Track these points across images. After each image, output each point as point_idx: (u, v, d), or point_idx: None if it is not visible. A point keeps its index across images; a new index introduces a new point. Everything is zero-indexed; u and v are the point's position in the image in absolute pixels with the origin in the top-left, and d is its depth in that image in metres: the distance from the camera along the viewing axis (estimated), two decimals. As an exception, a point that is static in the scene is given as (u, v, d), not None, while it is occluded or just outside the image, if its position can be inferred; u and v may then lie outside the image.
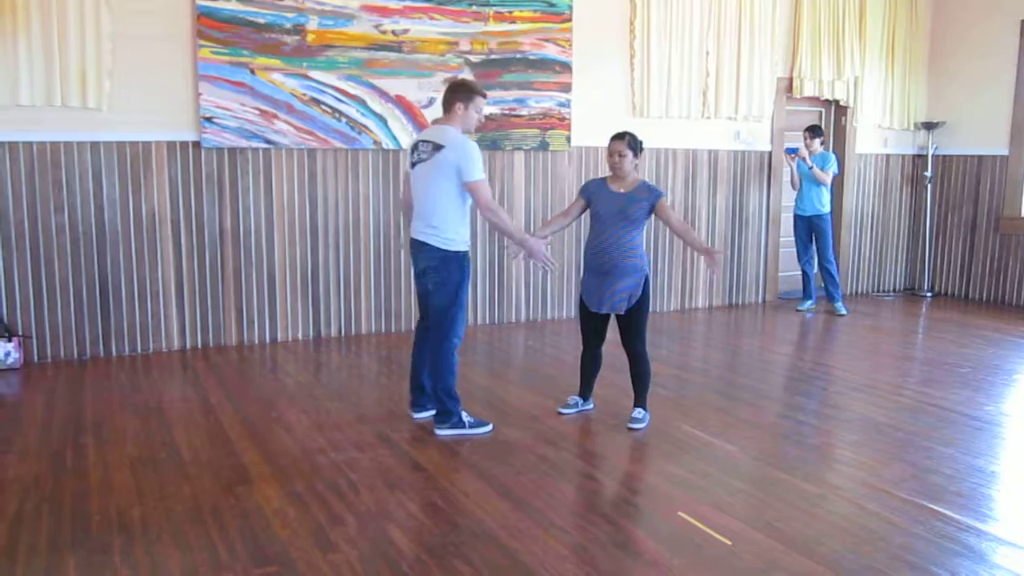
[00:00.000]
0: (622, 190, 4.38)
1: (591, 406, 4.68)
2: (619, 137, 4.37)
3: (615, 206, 4.35)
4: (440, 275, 4.16)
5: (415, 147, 4.25)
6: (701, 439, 4.25)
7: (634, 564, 2.93)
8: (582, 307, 4.51)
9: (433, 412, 4.40)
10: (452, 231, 4.13)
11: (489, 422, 4.34)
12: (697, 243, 4.56)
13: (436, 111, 6.38)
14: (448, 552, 3.00)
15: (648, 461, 3.97)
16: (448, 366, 4.23)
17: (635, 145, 4.36)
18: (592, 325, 4.52)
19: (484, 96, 4.24)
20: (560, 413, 4.59)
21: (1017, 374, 5.65)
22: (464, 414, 4.28)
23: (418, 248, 4.21)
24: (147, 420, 4.44)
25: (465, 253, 4.20)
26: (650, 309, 4.48)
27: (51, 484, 3.58)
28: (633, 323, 4.38)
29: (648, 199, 4.34)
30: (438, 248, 4.13)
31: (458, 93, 4.16)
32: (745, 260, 8.01)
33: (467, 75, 6.55)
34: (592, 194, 4.46)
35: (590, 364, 4.61)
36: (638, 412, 4.42)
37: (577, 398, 4.67)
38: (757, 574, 2.86)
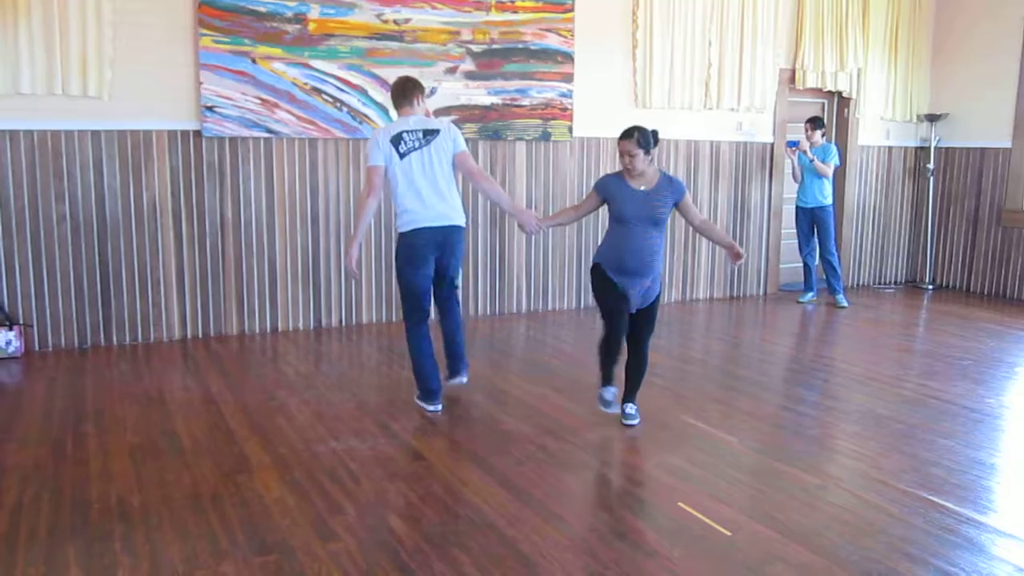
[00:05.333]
0: (643, 187, 4.09)
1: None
2: (627, 136, 4.05)
3: (642, 208, 4.07)
4: (460, 249, 4.48)
5: (399, 138, 4.25)
6: (701, 430, 4.25)
7: (634, 554, 2.93)
8: (614, 298, 4.16)
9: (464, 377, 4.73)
10: (461, 208, 4.46)
11: (437, 405, 4.48)
12: (722, 238, 4.41)
13: (437, 100, 6.42)
14: (447, 541, 3.01)
15: (648, 452, 3.97)
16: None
17: (645, 141, 4.03)
18: (625, 317, 4.20)
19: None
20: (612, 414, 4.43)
21: (1018, 367, 5.64)
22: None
23: (450, 233, 4.36)
24: (147, 409, 4.45)
25: None
26: None
27: (51, 472, 3.59)
28: (651, 317, 4.26)
29: (671, 196, 4.11)
30: (461, 227, 4.43)
31: (417, 87, 4.41)
32: (747, 252, 7.99)
33: (468, 64, 6.54)
34: (611, 192, 4.14)
35: (619, 350, 4.31)
36: (632, 408, 4.33)
37: (613, 388, 4.39)
38: (756, 565, 2.87)
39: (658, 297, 4.26)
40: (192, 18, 5.72)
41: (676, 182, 4.18)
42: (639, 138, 4.03)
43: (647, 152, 4.06)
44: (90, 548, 2.92)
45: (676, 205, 4.18)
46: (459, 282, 4.74)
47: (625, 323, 4.21)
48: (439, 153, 4.26)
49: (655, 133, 4.14)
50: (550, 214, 6.96)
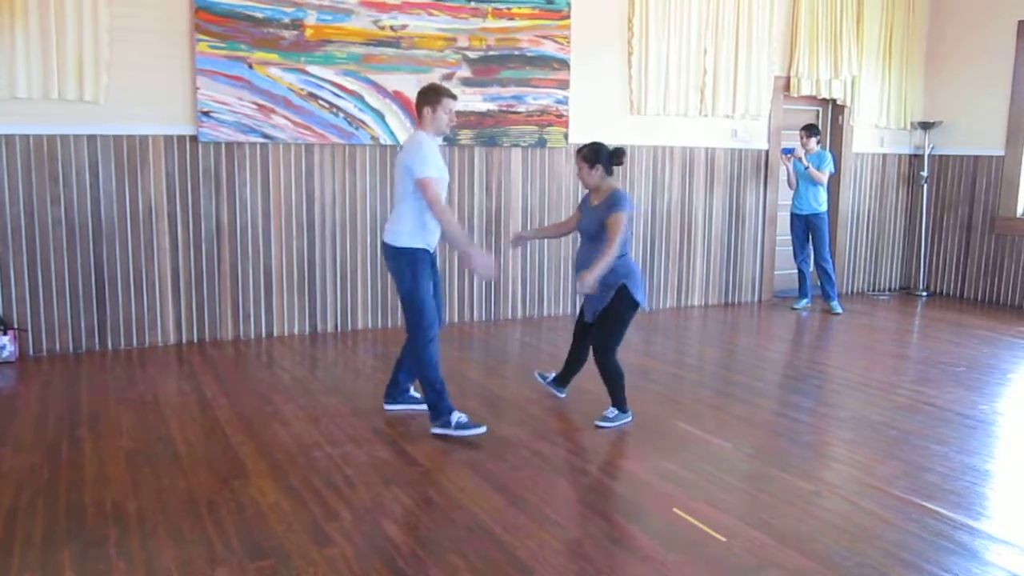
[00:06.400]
0: (595, 202, 4.35)
1: (562, 395, 4.78)
2: (578, 150, 4.35)
3: (587, 222, 4.36)
4: (393, 270, 4.22)
5: None
6: (696, 436, 4.26)
7: (628, 559, 2.94)
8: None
9: (405, 405, 4.57)
10: (404, 229, 4.14)
11: (482, 424, 4.22)
12: (598, 265, 4.13)
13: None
14: (443, 547, 3.01)
15: (643, 457, 3.98)
16: (423, 360, 4.17)
17: (593, 155, 4.26)
18: (580, 326, 4.62)
19: (452, 97, 4.21)
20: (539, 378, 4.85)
21: (1011, 373, 5.67)
22: (456, 415, 4.18)
23: (383, 249, 4.29)
24: (143, 414, 4.44)
25: (415, 250, 4.13)
26: (625, 320, 4.34)
27: (46, 477, 3.58)
28: (599, 331, 4.35)
29: (605, 214, 4.22)
30: (390, 246, 4.20)
31: (425, 98, 4.19)
32: (741, 258, 8.02)
33: (464, 71, 6.55)
34: (582, 207, 4.53)
35: (569, 356, 4.70)
36: (610, 411, 4.39)
37: (554, 374, 4.81)
38: (751, 570, 2.87)
39: (609, 310, 4.28)
40: (189, 23, 5.73)
41: (615, 199, 4.22)
42: (586, 152, 4.29)
43: (592, 166, 4.27)
44: (85, 553, 2.92)
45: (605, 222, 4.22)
46: (413, 323, 4.17)
47: (577, 329, 4.64)
48: (399, 172, 4.18)
49: (617, 151, 4.28)
50: (545, 220, 7.01)
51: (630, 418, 4.42)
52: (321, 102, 6.13)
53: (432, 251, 4.24)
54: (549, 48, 6.85)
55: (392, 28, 6.29)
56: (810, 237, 7.59)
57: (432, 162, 4.09)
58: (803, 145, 7.49)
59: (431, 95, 4.18)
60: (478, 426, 4.21)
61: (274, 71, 5.97)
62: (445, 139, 6.46)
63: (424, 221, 4.15)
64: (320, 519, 3.21)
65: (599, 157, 4.27)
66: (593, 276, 4.08)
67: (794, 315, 7.54)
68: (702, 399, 4.93)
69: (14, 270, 5.49)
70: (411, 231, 4.15)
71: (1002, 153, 8.03)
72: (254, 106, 5.93)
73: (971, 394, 5.09)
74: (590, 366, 4.56)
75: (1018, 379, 5.58)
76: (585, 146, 4.32)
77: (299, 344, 6.08)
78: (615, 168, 4.36)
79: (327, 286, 6.38)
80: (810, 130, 7.50)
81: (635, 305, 4.30)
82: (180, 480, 3.56)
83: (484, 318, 6.93)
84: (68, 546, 2.97)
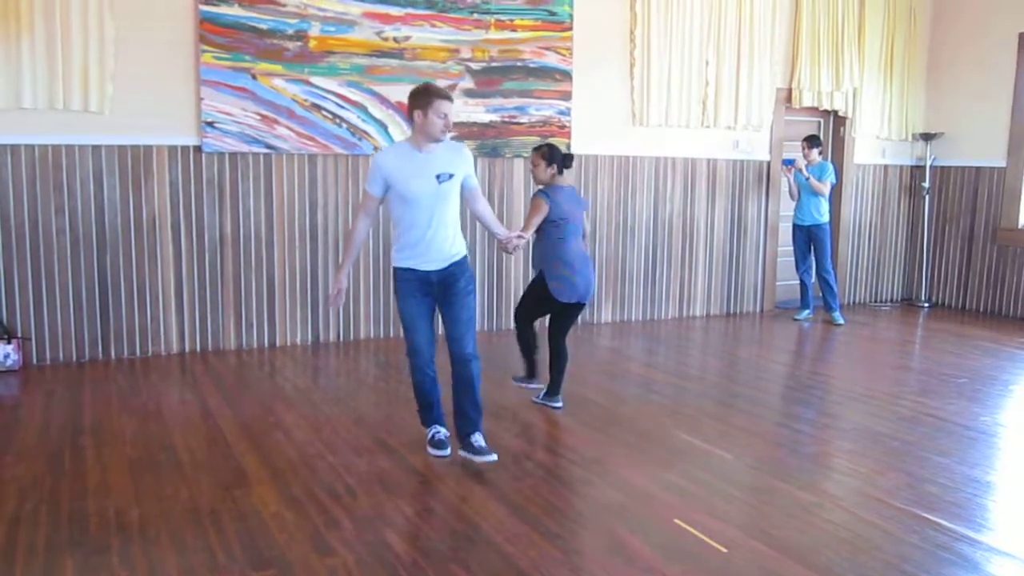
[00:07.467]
0: None
1: (558, 405, 4.86)
2: (535, 148, 4.78)
3: None
4: None
5: None
6: (698, 447, 4.26)
7: (630, 570, 2.94)
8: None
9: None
10: (393, 248, 3.98)
11: (447, 448, 4.00)
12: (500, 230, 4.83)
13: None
14: (445, 557, 3.01)
15: (644, 468, 3.98)
16: (411, 380, 4.08)
17: (551, 155, 4.68)
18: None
19: (445, 98, 3.80)
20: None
21: (1013, 385, 5.66)
22: (433, 429, 4.05)
23: None
24: (146, 423, 4.45)
25: (397, 270, 3.94)
26: (537, 299, 4.87)
27: (49, 485, 3.59)
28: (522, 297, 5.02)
29: None
30: None
31: (415, 100, 3.81)
32: (743, 269, 8.03)
33: (467, 82, 6.58)
34: None
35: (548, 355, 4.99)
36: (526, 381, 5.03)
37: (544, 389, 4.98)
38: (752, 581, 2.88)
39: (531, 284, 4.91)
40: (193, 34, 5.77)
41: (543, 189, 4.72)
42: (544, 151, 4.71)
43: (549, 164, 4.69)
44: (88, 561, 2.93)
45: None
46: (405, 338, 4.05)
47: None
48: None
49: (568, 155, 4.76)
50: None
51: (535, 385, 4.96)
52: (324, 113, 6.17)
53: (426, 271, 3.88)
54: (551, 59, 6.89)
55: (395, 39, 6.33)
56: (812, 248, 7.60)
57: (371, 177, 3.87)
58: (805, 156, 7.51)
59: (422, 97, 3.79)
60: (445, 449, 3.99)
61: (278, 82, 6.00)
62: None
63: (404, 240, 3.89)
64: (322, 528, 3.22)
65: (554, 157, 4.70)
66: (512, 233, 4.32)
67: (796, 326, 7.54)
68: (704, 410, 4.93)
69: (18, 279, 5.51)
70: (395, 251, 3.97)
71: (1004, 164, 8.04)
72: (258, 117, 5.96)
73: (973, 405, 5.09)
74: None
75: (1020, 390, 5.58)
76: (543, 145, 4.79)
77: (301, 354, 6.09)
78: (565, 169, 4.77)
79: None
80: (812, 141, 7.52)
81: (549, 293, 4.67)
82: (183, 489, 3.57)
83: (485, 328, 6.94)
84: (71, 554, 2.98)
